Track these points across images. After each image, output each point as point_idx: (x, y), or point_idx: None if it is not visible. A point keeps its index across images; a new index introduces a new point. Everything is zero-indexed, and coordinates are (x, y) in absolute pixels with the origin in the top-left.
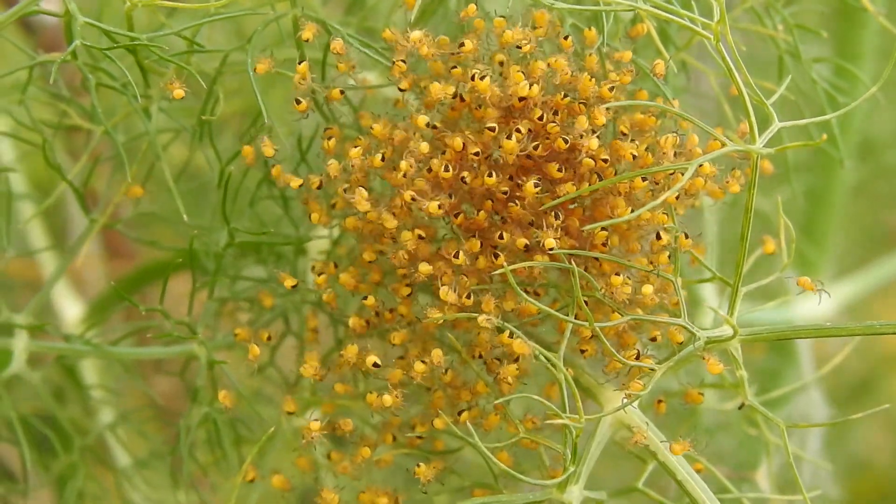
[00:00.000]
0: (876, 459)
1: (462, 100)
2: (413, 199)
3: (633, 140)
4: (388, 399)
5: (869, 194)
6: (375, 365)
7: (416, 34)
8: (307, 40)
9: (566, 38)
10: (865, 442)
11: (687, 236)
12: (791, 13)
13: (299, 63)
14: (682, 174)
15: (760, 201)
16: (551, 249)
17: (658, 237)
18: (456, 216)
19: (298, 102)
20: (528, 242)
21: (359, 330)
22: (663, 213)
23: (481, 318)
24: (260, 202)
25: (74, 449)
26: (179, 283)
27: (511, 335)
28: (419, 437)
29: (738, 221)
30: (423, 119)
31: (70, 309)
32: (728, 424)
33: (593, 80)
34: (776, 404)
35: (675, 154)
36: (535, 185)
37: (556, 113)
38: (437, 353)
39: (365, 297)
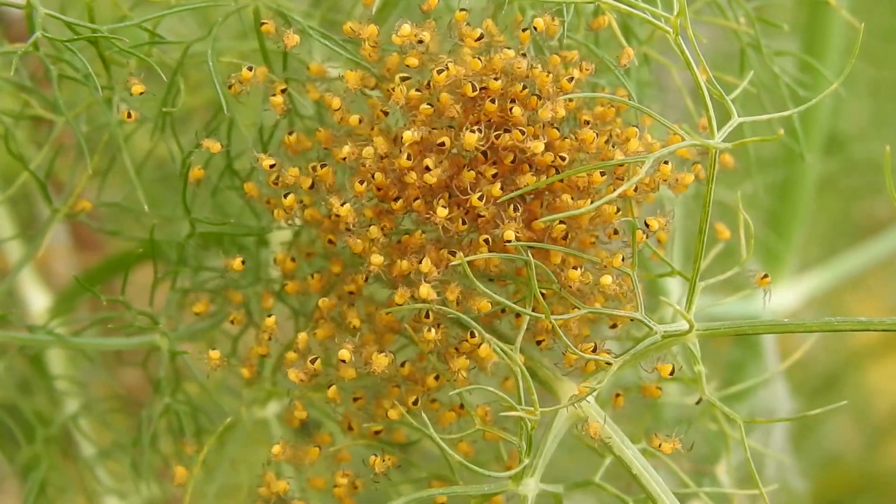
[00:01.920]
0: (847, 452)
1: (428, 86)
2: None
3: (595, 133)
4: (332, 391)
5: (840, 187)
6: (313, 360)
7: (405, 28)
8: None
9: (524, 30)
10: (836, 435)
11: (646, 234)
12: (757, 6)
13: (249, 69)
14: (640, 168)
15: (727, 194)
16: (508, 242)
17: (615, 232)
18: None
19: (273, 95)
20: (488, 237)
21: (302, 347)
22: (618, 209)
23: (423, 289)
24: (222, 193)
25: (37, 439)
26: (146, 274)
27: (472, 334)
28: (377, 432)
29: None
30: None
31: (37, 299)
32: (693, 418)
33: (550, 75)
34: (739, 397)
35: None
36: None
37: (513, 101)
38: (379, 361)
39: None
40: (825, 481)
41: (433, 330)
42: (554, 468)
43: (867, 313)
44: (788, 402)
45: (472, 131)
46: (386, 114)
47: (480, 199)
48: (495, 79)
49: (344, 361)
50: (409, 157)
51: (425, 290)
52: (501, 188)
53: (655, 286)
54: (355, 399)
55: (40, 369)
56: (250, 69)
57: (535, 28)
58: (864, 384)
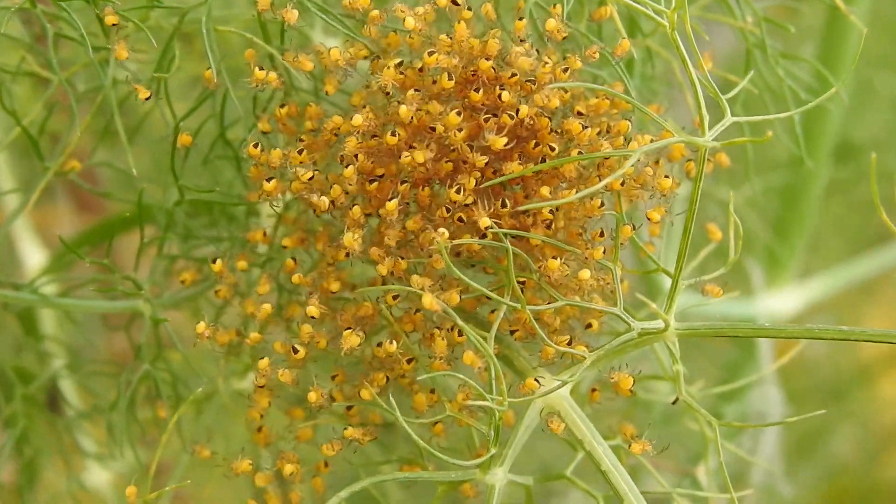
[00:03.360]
0: (853, 462)
1: (420, 70)
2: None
3: (585, 125)
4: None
5: (855, 198)
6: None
7: (409, 20)
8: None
9: (521, 19)
10: (842, 445)
11: (634, 227)
12: (766, 6)
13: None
14: (627, 161)
15: (734, 194)
16: (487, 228)
17: (601, 234)
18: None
19: (261, 69)
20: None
21: (265, 317)
22: (602, 202)
23: (427, 299)
24: (216, 162)
25: (16, 397)
26: (137, 238)
27: (454, 329)
28: (349, 407)
29: (709, 213)
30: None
31: (33, 258)
32: (677, 416)
33: (547, 64)
34: (729, 399)
35: (624, 141)
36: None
37: (502, 87)
38: (350, 339)
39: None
40: (829, 491)
41: (393, 342)
42: (533, 455)
43: (880, 323)
44: (781, 407)
45: (458, 113)
46: (388, 94)
47: (458, 191)
48: (486, 59)
49: (314, 318)
50: (393, 134)
51: (428, 301)
52: (492, 174)
53: (651, 282)
54: (333, 377)
55: (31, 328)
56: (262, 69)
57: (544, 26)
58: (873, 395)
